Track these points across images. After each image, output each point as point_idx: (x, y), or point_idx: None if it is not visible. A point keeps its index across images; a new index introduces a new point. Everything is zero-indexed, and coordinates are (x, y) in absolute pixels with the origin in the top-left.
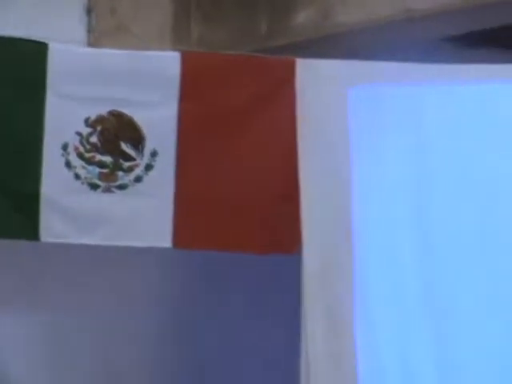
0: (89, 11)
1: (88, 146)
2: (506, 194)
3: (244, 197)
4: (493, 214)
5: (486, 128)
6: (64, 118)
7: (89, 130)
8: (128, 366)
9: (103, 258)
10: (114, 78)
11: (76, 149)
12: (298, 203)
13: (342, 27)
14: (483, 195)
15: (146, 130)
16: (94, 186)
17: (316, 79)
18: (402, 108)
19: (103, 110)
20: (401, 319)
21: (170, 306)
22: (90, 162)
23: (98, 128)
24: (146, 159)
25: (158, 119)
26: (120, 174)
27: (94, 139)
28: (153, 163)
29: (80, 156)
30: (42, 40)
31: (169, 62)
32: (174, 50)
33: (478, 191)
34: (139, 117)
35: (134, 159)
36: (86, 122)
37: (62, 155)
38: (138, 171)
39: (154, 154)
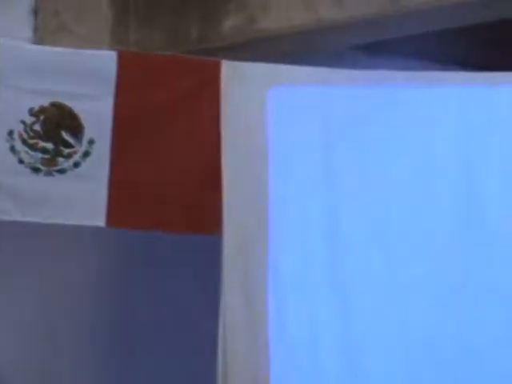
0: (35, 12)
1: (31, 134)
2: (405, 188)
3: (171, 183)
4: (392, 202)
5: (387, 127)
6: (10, 108)
7: (32, 119)
8: (67, 328)
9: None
10: (56, 73)
11: (20, 136)
12: (220, 190)
13: (264, 33)
14: (384, 186)
15: (84, 120)
16: (36, 170)
17: (239, 79)
18: (314, 107)
19: (46, 102)
20: (309, 293)
21: (106, 280)
22: (33, 148)
23: (41, 117)
24: (83, 147)
25: (96, 111)
26: (60, 159)
27: (37, 127)
28: (90, 150)
29: (24, 142)
30: None
31: (106, 60)
32: (112, 49)
33: (379, 183)
34: (79, 108)
35: (73, 146)
36: (30, 111)
37: (8, 141)
38: (76, 157)
39: (91, 142)
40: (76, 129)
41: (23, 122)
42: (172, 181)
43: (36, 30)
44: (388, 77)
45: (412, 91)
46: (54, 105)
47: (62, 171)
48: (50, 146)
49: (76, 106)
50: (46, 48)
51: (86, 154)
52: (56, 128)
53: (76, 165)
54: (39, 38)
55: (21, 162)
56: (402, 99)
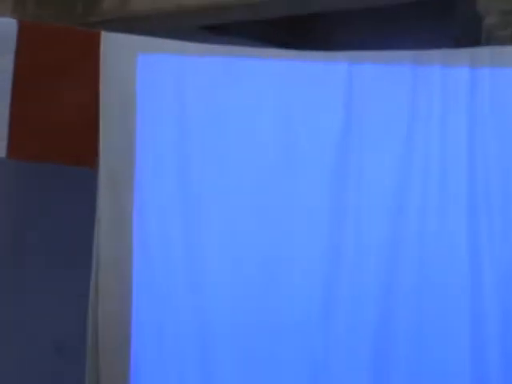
0: None
1: None
2: (247, 145)
3: (60, 125)
4: (234, 153)
5: (230, 92)
6: None
7: None
8: None
9: None
10: None
11: None
12: (98, 132)
13: (134, 13)
14: (228, 139)
15: None
16: None
17: (114, 48)
18: (174, 72)
19: None
20: (166, 224)
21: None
22: None
23: None
24: None
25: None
26: None
27: None
28: None
29: None
30: None
31: (9, 26)
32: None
33: (224, 136)
34: None
35: None
36: None
37: None
38: None
39: None
40: None
41: None
42: (61, 124)
43: None
44: (240, 51)
45: (253, 63)
46: None
47: None
48: None
49: None
50: None
51: None
52: None
53: None
54: None
55: None
56: (243, 70)
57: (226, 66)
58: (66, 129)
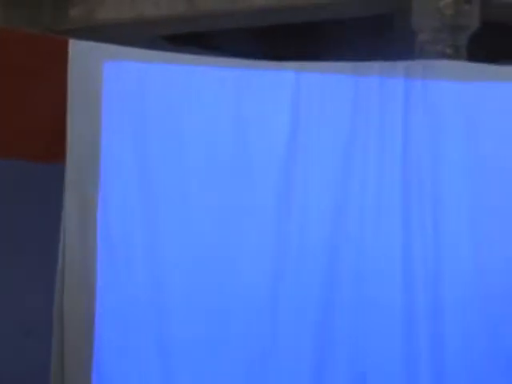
0: None
1: None
2: (198, 144)
3: (29, 123)
4: (186, 153)
5: (184, 98)
6: None
7: None
8: None
9: None
10: None
11: None
12: (66, 133)
13: (100, 22)
14: (179, 138)
15: None
16: None
17: (82, 54)
18: (137, 77)
19: None
20: (126, 212)
21: None
22: None
23: None
24: None
25: None
26: None
27: None
28: None
29: None
30: None
31: None
32: None
33: (178, 139)
34: None
35: None
36: None
37: None
38: None
39: None
40: None
41: None
42: (30, 122)
43: None
44: (201, 60)
45: (210, 71)
46: None
47: None
48: None
49: None
50: None
51: None
52: None
53: None
54: None
55: None
56: (201, 77)
57: (185, 73)
58: (35, 129)
